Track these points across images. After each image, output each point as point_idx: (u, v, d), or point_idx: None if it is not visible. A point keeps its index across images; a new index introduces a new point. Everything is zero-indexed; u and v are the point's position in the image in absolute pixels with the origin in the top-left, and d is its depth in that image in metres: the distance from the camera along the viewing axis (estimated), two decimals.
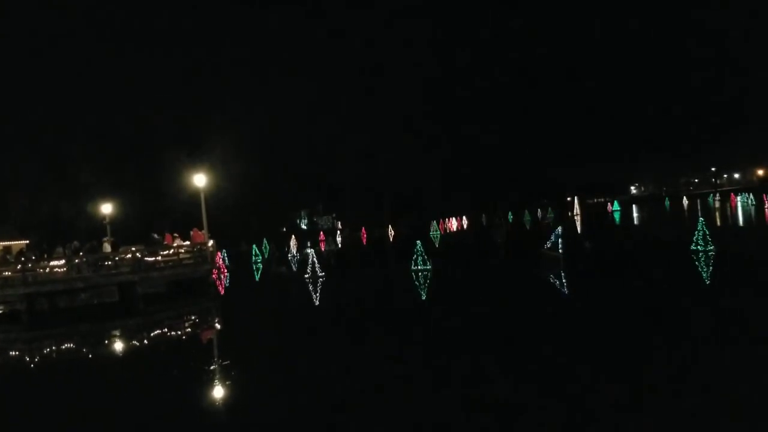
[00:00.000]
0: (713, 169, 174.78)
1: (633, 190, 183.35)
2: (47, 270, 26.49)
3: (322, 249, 60.61)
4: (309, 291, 25.63)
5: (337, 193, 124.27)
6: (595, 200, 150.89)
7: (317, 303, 22.57)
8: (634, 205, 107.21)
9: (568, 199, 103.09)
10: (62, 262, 26.71)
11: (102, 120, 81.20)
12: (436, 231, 66.27)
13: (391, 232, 78.91)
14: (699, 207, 70.21)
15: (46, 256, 28.19)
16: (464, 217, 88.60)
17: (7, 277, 25.50)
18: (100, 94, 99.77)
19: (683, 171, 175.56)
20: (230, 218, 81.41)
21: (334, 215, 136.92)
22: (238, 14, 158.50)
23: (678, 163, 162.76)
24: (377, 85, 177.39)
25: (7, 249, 33.73)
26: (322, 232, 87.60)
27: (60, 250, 28.98)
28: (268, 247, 61.35)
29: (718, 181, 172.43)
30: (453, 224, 79.44)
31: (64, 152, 72.60)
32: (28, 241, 37.40)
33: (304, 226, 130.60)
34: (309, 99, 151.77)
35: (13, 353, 19.76)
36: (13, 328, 24.10)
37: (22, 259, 27.47)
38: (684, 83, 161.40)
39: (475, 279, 25.51)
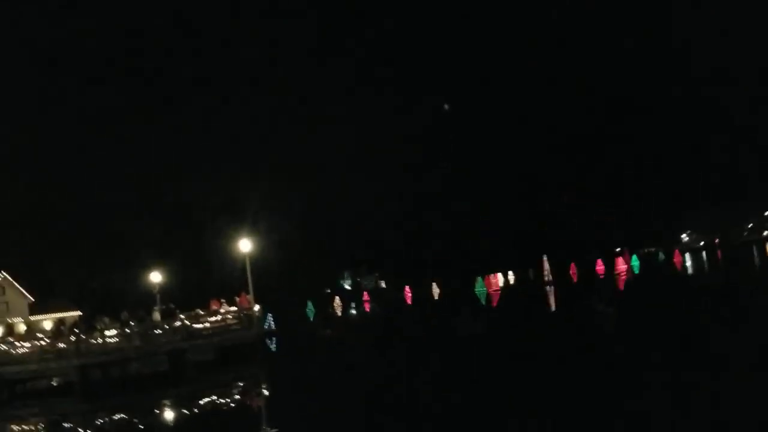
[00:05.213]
0: (767, 213, 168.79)
1: (684, 237, 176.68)
2: (99, 341, 26.92)
3: (367, 310, 60.25)
4: (356, 356, 25.38)
5: (381, 253, 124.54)
6: (646, 250, 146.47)
7: (364, 371, 22.25)
8: (686, 254, 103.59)
9: (617, 250, 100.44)
10: (114, 332, 27.14)
11: (150, 190, 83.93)
12: (482, 287, 65.19)
13: (435, 291, 78.10)
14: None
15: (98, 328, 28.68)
16: (510, 272, 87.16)
17: (61, 349, 25.98)
18: (147, 165, 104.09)
19: (735, 217, 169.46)
20: (276, 282, 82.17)
21: (377, 274, 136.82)
22: (279, 73, 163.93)
23: (731, 208, 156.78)
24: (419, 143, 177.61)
25: (62, 321, 34.56)
26: (366, 292, 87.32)
27: (106, 320, 29.49)
28: (313, 309, 61.41)
29: None
30: (500, 280, 78.00)
31: (114, 224, 75.05)
32: (81, 313, 38.28)
33: (347, 287, 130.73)
34: (351, 161, 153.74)
35: (68, 425, 19.92)
36: (67, 399, 24.38)
37: (76, 330, 28.03)
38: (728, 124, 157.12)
39: (528, 342, 24.75)
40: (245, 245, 32.77)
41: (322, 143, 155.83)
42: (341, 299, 75.89)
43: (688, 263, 73.34)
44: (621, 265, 69.08)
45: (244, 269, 32.50)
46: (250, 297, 31.95)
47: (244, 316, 30.58)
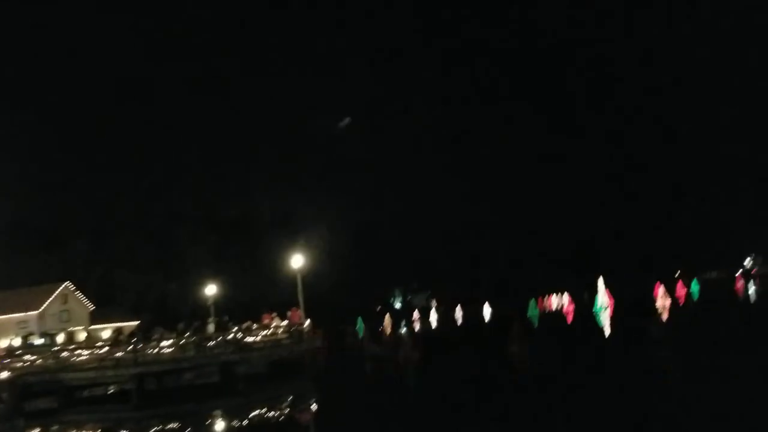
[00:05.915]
0: None
1: (748, 262, 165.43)
2: (155, 350, 27.66)
3: (416, 329, 60.01)
4: (403, 373, 25.32)
5: (432, 270, 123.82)
6: (706, 275, 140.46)
7: (410, 385, 22.21)
8: (751, 281, 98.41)
9: (675, 275, 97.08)
10: (170, 342, 27.86)
11: (207, 203, 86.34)
12: (535, 310, 63.96)
13: (487, 311, 77.15)
14: None
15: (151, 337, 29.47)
16: (565, 294, 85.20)
17: (118, 358, 26.81)
18: (205, 179, 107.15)
19: None
20: (326, 297, 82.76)
21: (429, 292, 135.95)
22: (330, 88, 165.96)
23: None
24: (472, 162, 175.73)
25: (120, 330, 35.72)
26: (416, 311, 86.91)
27: (162, 330, 30.27)
28: (362, 326, 61.54)
29: None
30: (553, 302, 76.37)
31: (172, 235, 77.22)
32: (139, 322, 39.50)
33: (398, 305, 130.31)
34: (402, 176, 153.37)
35: None
36: (122, 407, 25.10)
37: (134, 340, 28.89)
38: None
39: (575, 364, 24.24)
40: (297, 260, 33.22)
41: (376, 161, 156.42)
42: (391, 317, 75.72)
43: (751, 290, 70.00)
44: (680, 290, 66.75)
45: (295, 284, 32.90)
46: (301, 312, 32.31)
47: (294, 331, 30.93)
